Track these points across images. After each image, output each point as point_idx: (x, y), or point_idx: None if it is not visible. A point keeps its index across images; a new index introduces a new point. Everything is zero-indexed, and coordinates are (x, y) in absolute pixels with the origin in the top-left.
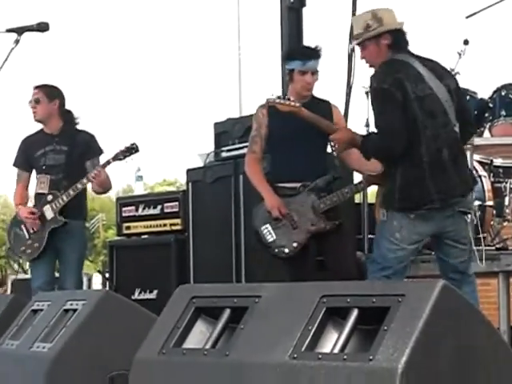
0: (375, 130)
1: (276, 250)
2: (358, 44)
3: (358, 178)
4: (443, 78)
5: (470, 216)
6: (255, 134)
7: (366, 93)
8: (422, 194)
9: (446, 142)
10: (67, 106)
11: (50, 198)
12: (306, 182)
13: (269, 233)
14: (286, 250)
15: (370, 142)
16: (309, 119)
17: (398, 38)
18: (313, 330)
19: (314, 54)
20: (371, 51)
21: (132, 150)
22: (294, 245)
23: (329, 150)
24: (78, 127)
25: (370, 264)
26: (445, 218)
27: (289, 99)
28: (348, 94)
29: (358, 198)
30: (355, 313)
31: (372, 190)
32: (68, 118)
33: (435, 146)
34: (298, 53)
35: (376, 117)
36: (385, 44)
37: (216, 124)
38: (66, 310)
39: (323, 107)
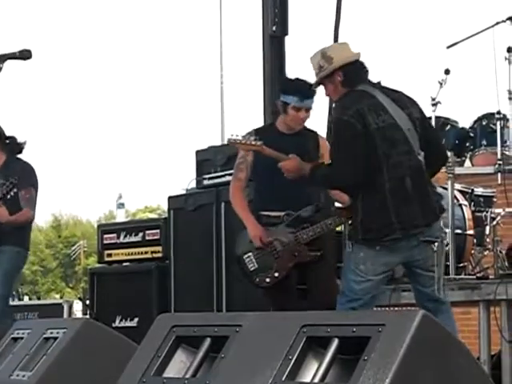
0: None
1: (257, 279)
2: (318, 84)
3: None
4: (406, 107)
5: (436, 244)
6: (241, 161)
7: None
8: (384, 224)
9: (409, 171)
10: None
11: None
12: (290, 210)
13: (251, 261)
14: (268, 280)
15: (321, 171)
16: (271, 156)
17: (350, 71)
18: (293, 360)
19: (311, 92)
20: (329, 89)
21: (11, 185)
22: (276, 274)
23: None
24: (21, 154)
25: (339, 296)
26: (410, 248)
27: (250, 138)
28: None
29: (339, 227)
30: (335, 342)
31: None
32: (9, 148)
33: (397, 175)
34: (296, 89)
35: (333, 148)
36: (339, 80)
37: (198, 152)
38: (47, 339)
39: (310, 138)
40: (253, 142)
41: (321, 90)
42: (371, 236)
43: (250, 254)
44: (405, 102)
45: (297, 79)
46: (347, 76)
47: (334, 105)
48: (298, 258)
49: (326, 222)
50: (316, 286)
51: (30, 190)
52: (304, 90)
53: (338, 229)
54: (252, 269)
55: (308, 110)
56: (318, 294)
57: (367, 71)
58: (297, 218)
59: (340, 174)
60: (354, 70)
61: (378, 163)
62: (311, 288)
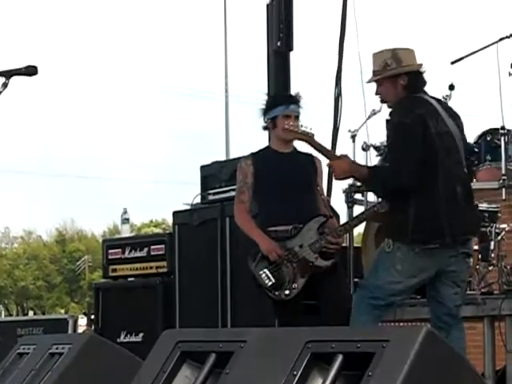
0: (387, 164)
1: (276, 293)
2: (376, 81)
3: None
4: (455, 117)
5: (471, 259)
6: (241, 184)
7: (352, 136)
8: (436, 228)
9: (459, 180)
10: None
11: None
12: (296, 224)
13: (267, 277)
14: (287, 292)
15: (380, 175)
16: (320, 149)
17: (414, 79)
18: (298, 376)
19: (294, 99)
20: (387, 89)
21: None
22: (294, 286)
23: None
24: None
25: (359, 289)
26: (448, 258)
27: (302, 126)
28: (334, 137)
29: (344, 242)
30: (340, 358)
31: (358, 233)
32: None
33: (450, 182)
34: (278, 99)
35: (392, 151)
36: (401, 84)
37: (202, 167)
38: (52, 354)
39: (305, 161)
40: (306, 131)
41: (312, 95)
42: (420, 237)
43: (265, 269)
44: (453, 113)
45: (276, 93)
46: (411, 82)
47: (392, 108)
48: (313, 268)
49: (335, 229)
50: (329, 300)
51: None
52: (287, 98)
53: (344, 244)
54: (269, 284)
55: (297, 117)
56: (332, 308)
57: (426, 82)
58: (307, 229)
59: (398, 175)
60: (418, 79)
61: (434, 168)
62: (324, 302)
